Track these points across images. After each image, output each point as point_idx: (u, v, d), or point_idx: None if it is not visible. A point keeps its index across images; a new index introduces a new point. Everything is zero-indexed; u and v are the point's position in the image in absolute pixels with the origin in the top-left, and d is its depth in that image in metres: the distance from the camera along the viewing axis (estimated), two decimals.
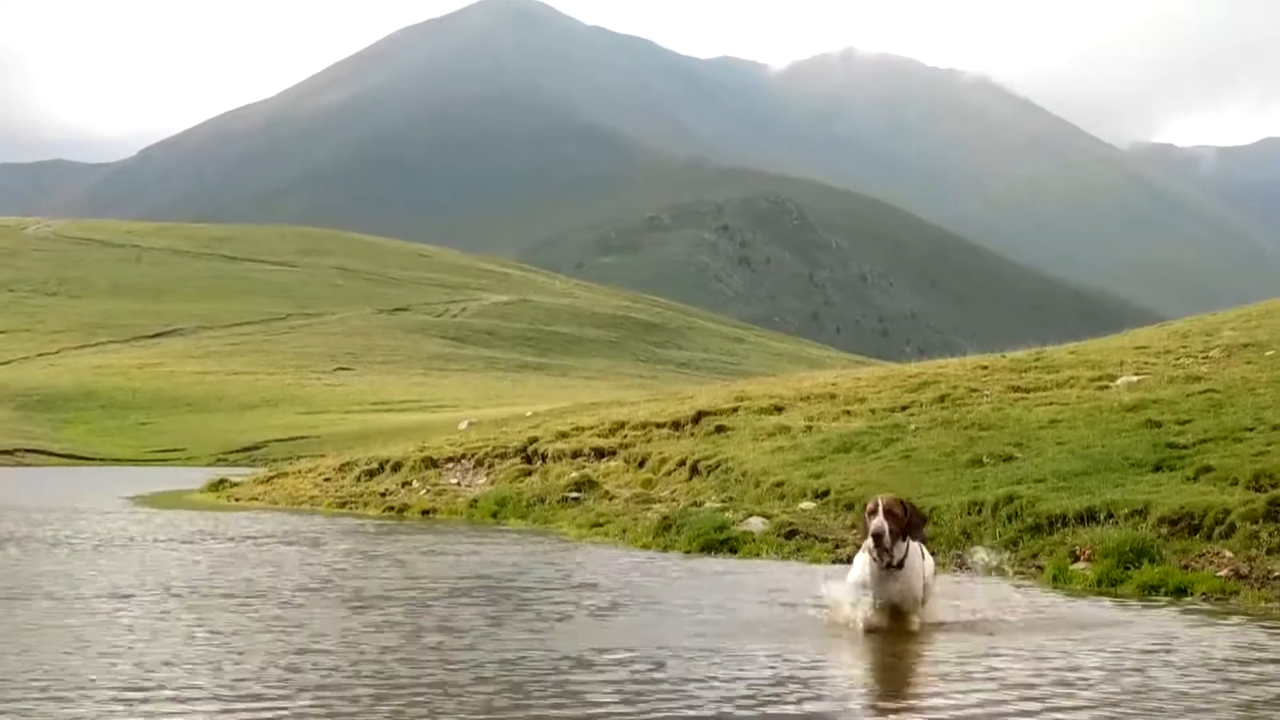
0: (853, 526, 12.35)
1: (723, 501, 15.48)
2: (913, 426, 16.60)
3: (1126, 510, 10.56)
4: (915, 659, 7.03)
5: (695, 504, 15.55)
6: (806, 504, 14.34)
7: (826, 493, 14.31)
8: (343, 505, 22.56)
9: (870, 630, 7.50)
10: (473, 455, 23.60)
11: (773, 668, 6.60)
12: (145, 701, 5.85)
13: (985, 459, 13.75)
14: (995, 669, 6.56)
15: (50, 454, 69.62)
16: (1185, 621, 7.99)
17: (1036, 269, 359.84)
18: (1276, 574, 9.07)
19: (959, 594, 8.89)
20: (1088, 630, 7.68)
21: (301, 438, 69.43)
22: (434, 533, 16.53)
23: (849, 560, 8.88)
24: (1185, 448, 12.34)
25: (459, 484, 22.56)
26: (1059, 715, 5.56)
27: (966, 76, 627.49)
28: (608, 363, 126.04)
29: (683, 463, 18.47)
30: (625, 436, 21.55)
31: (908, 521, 7.43)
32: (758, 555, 12.32)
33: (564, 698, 5.92)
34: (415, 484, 23.11)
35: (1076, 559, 10.14)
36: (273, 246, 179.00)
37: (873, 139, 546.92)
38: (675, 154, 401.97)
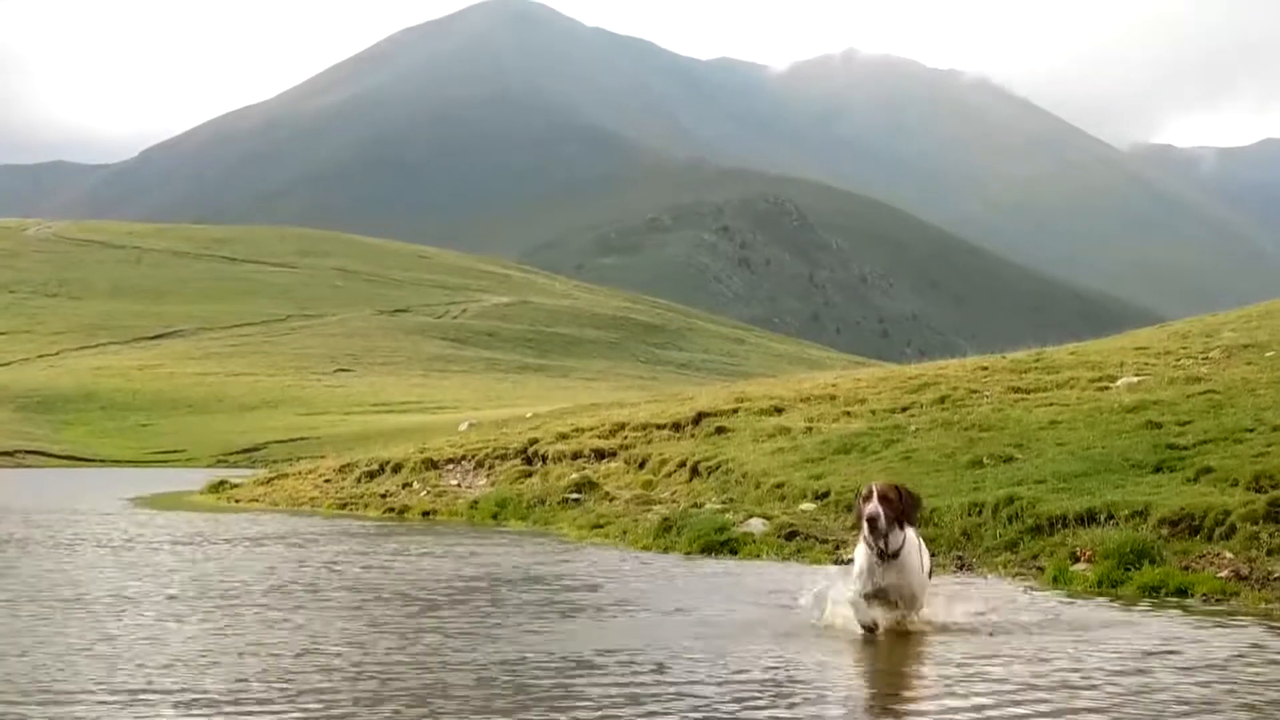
0: (853, 527, 12.34)
1: (723, 503, 15.48)
2: (913, 428, 16.60)
3: (1127, 511, 10.56)
4: (916, 660, 7.02)
5: (696, 505, 15.55)
6: (807, 505, 14.34)
7: (827, 494, 14.31)
8: (343, 507, 22.56)
9: (867, 628, 7.41)
10: (473, 456, 23.60)
11: (774, 669, 6.59)
12: (146, 703, 5.85)
13: (985, 460, 13.76)
14: (997, 670, 6.56)
15: (50, 455, 69.64)
16: (1187, 622, 7.98)
17: (1036, 270, 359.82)
18: (1277, 575, 9.07)
19: (959, 594, 8.88)
20: (1089, 631, 7.68)
21: (302, 439, 69.44)
22: (434, 534, 16.53)
23: (850, 561, 8.84)
24: (1185, 449, 12.34)
25: (459, 485, 22.56)
26: (1061, 716, 5.56)
27: (966, 77, 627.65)
28: (608, 364, 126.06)
29: (683, 464, 18.47)
30: (625, 438, 21.55)
31: (903, 507, 7.33)
32: (758, 556, 12.32)
33: (565, 699, 5.92)
34: (415, 485, 23.12)
35: (1077, 560, 10.13)
36: (273, 248, 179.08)
37: (873, 140, 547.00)
38: (675, 155, 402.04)
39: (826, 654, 7.13)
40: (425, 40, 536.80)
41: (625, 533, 14.80)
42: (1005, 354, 23.33)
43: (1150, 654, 6.91)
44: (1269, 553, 9.43)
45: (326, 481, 26.03)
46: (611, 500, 17.66)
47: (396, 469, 24.66)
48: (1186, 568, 9.49)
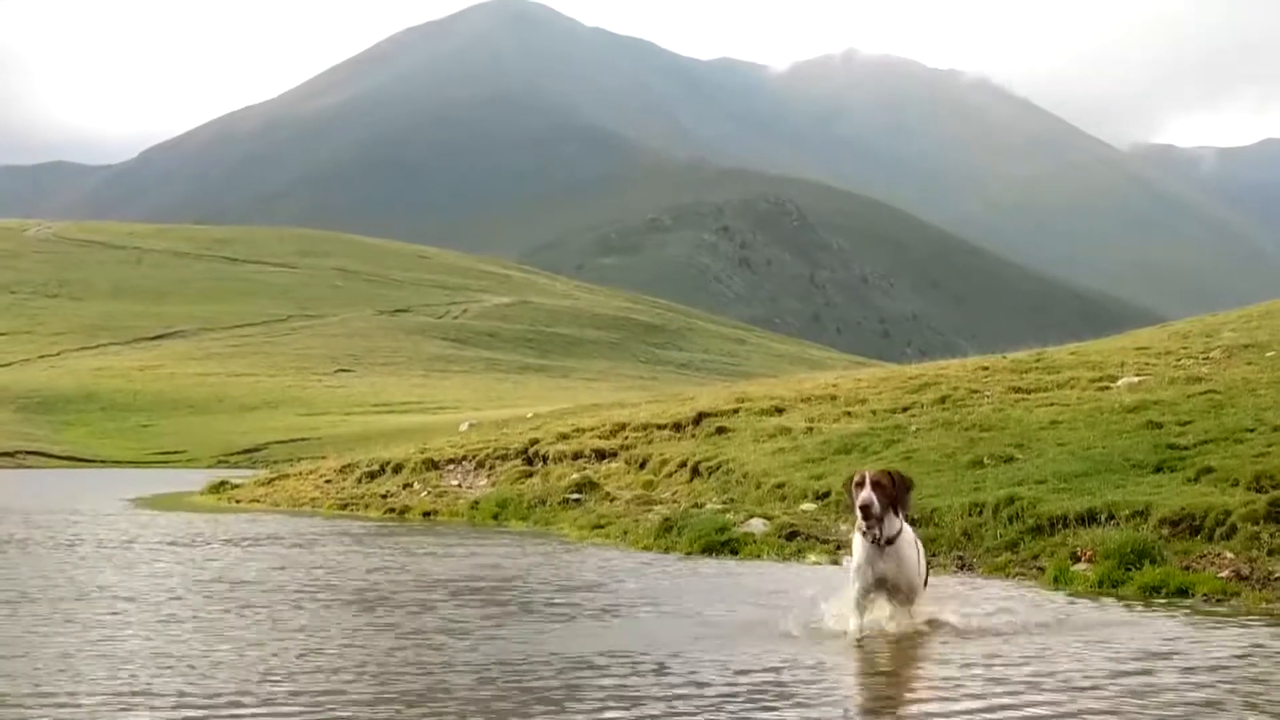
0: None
1: (724, 503, 15.48)
2: (914, 428, 16.61)
3: (1127, 511, 10.56)
4: (918, 661, 7.02)
5: (696, 505, 15.56)
6: (807, 505, 14.34)
7: (827, 494, 14.31)
8: (344, 507, 22.57)
9: (864, 624, 7.35)
10: (474, 457, 23.61)
11: (777, 670, 6.59)
12: (147, 704, 5.85)
13: (986, 460, 13.76)
14: (999, 670, 6.56)
15: (51, 456, 69.66)
16: (1188, 622, 7.99)
17: (1037, 270, 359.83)
18: (1278, 575, 9.07)
19: (959, 594, 8.87)
20: (1091, 631, 7.68)
21: (302, 439, 69.47)
22: (435, 534, 16.54)
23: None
24: (1186, 449, 12.35)
25: (460, 486, 22.56)
26: (1064, 716, 5.56)
27: (967, 77, 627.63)
28: (608, 364, 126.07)
29: (684, 464, 18.47)
30: (626, 438, 21.56)
31: (896, 493, 7.26)
32: (759, 557, 12.32)
33: (567, 700, 5.92)
34: (416, 486, 23.12)
35: (1077, 560, 10.13)
36: (273, 248, 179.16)
37: (873, 140, 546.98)
38: (676, 155, 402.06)
39: (829, 654, 7.12)
40: (425, 41, 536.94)
41: (626, 533, 14.80)
42: (1006, 354, 23.34)
43: (1153, 654, 6.91)
44: (1270, 553, 9.43)
45: (327, 482, 26.04)
46: (612, 500, 17.66)
47: (397, 469, 24.67)
48: (1187, 568, 9.49)
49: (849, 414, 19.16)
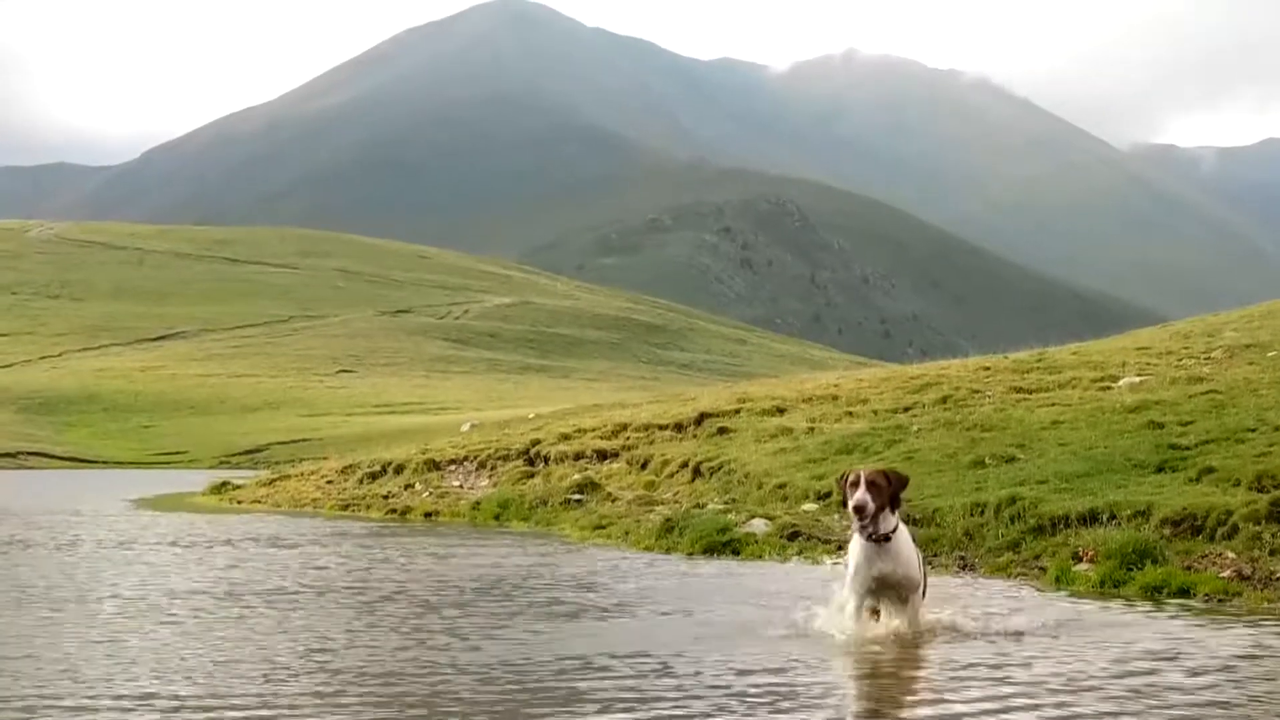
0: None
1: (725, 503, 15.49)
2: (915, 428, 16.61)
3: (1129, 511, 10.56)
4: (920, 662, 7.02)
5: (698, 506, 15.56)
6: (809, 505, 14.35)
7: (829, 494, 14.30)
8: (345, 508, 22.58)
9: (867, 626, 7.30)
10: (475, 457, 23.62)
11: (780, 670, 6.60)
12: (148, 707, 5.86)
13: (988, 460, 13.76)
14: (1001, 670, 6.57)
15: (52, 457, 69.70)
16: (1191, 622, 7.99)
17: (1037, 270, 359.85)
18: (1279, 575, 9.08)
19: (960, 594, 8.88)
20: (1094, 631, 7.68)
21: (304, 440, 69.50)
22: (437, 535, 16.54)
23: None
24: (1187, 449, 12.35)
25: (461, 486, 22.57)
26: (1069, 716, 5.57)
27: (967, 77, 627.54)
28: (609, 364, 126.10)
29: (685, 464, 18.48)
30: (627, 438, 21.56)
31: (891, 492, 7.19)
32: (760, 557, 12.32)
33: (568, 700, 5.93)
34: (418, 486, 23.13)
35: (1079, 560, 10.14)
36: (274, 249, 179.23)
37: (874, 140, 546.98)
38: (676, 155, 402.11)
39: (832, 655, 7.13)
40: (426, 41, 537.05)
41: (627, 533, 14.81)
42: (1007, 354, 23.34)
43: (1157, 653, 6.92)
44: (1271, 553, 9.43)
45: (329, 483, 26.04)
46: (614, 501, 17.67)
47: (399, 470, 24.68)
48: (1189, 568, 9.49)
49: (850, 414, 19.16)
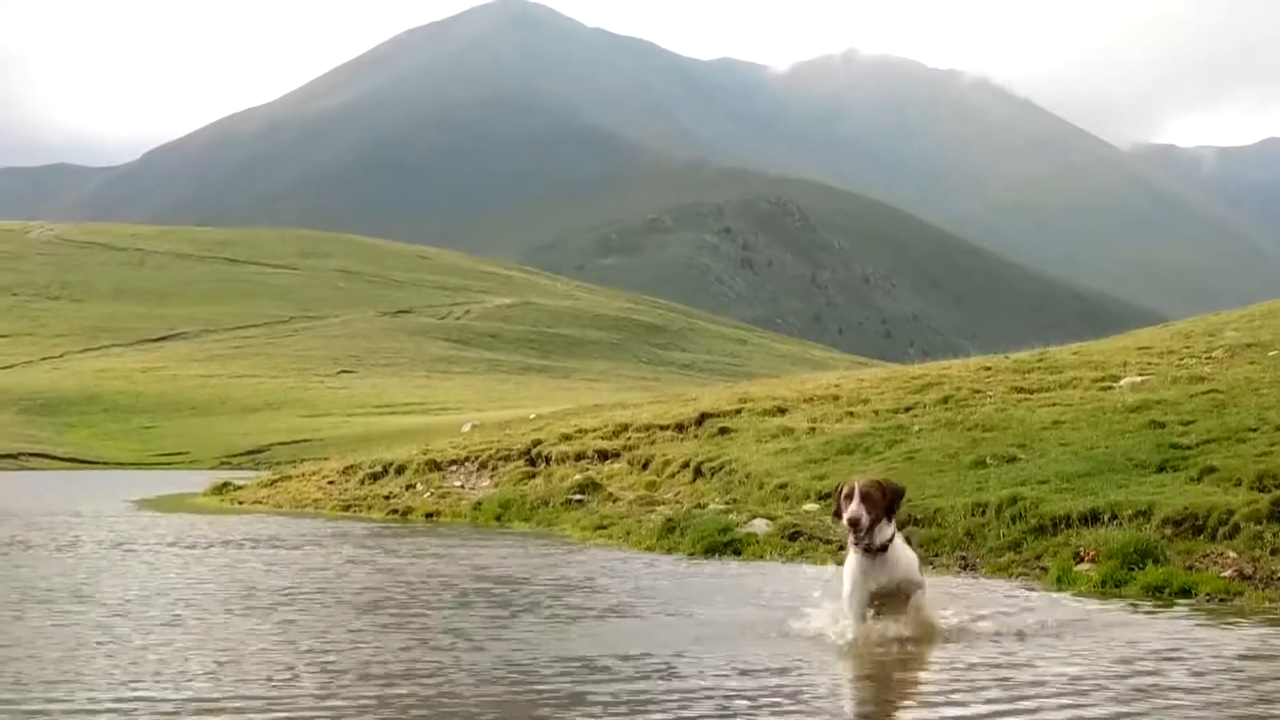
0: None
1: (726, 503, 15.49)
2: (916, 428, 16.61)
3: (1130, 511, 10.56)
4: (924, 663, 7.02)
5: (699, 506, 15.57)
6: (810, 505, 14.35)
7: (830, 494, 14.30)
8: (346, 508, 22.58)
9: (869, 630, 7.23)
10: (476, 458, 23.61)
11: (783, 671, 6.60)
12: (149, 709, 5.87)
13: (989, 460, 13.77)
14: (1004, 670, 6.57)
15: (53, 458, 69.69)
16: (1193, 622, 8.00)
17: (1037, 270, 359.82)
18: None
19: (961, 595, 8.88)
20: (1097, 631, 7.69)
21: (305, 441, 69.49)
22: (438, 536, 16.55)
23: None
24: (1189, 448, 12.35)
25: (463, 487, 22.57)
26: (1072, 715, 5.57)
27: (967, 77, 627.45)
28: (610, 365, 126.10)
29: (686, 465, 18.48)
30: (629, 438, 21.56)
31: (887, 504, 7.08)
32: (761, 557, 12.33)
33: (573, 701, 5.93)
34: (419, 487, 23.13)
35: (1080, 560, 10.14)
36: (275, 249, 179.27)
37: (874, 140, 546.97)
38: (676, 155, 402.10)
39: (835, 656, 7.13)
40: (426, 42, 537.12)
41: (629, 534, 14.81)
42: (1008, 354, 23.34)
43: (1160, 653, 6.92)
44: (1273, 552, 9.43)
45: (330, 483, 26.04)
46: (615, 501, 17.67)
47: (400, 470, 24.67)
48: (1190, 567, 9.49)
49: (851, 414, 19.16)
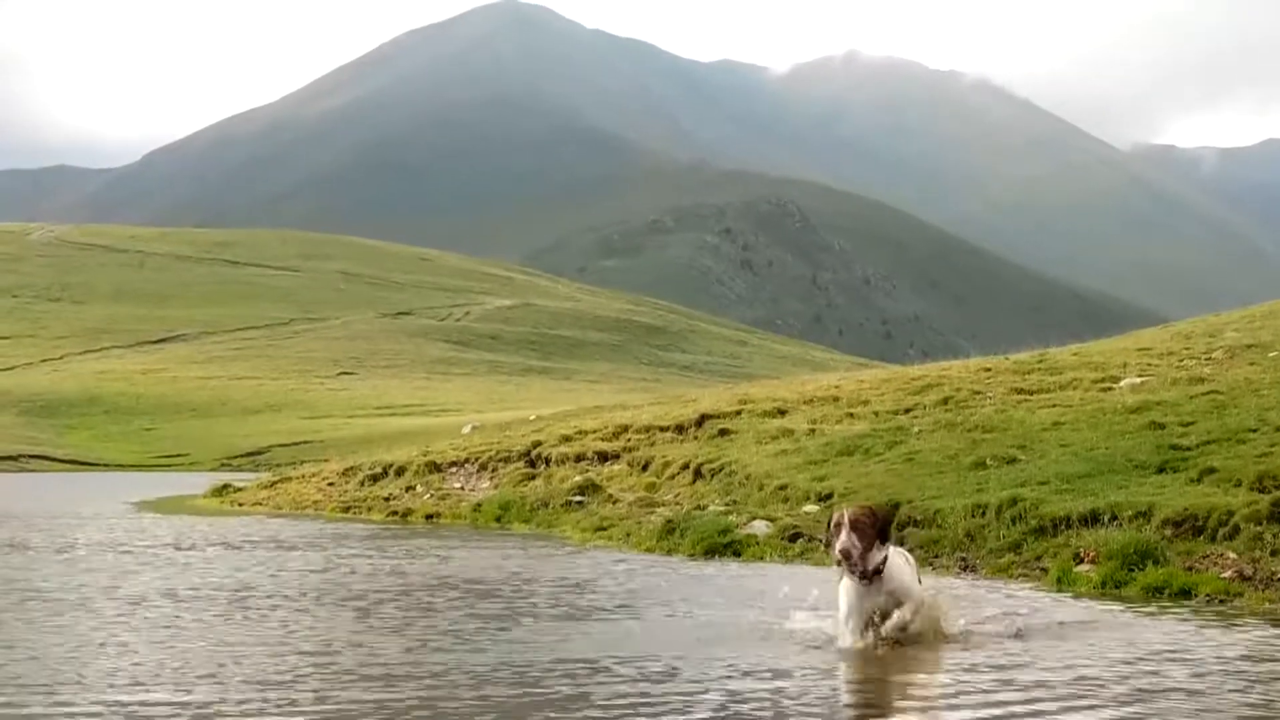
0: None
1: (726, 505, 15.49)
2: (916, 429, 16.61)
3: (1130, 512, 10.56)
4: (923, 664, 7.01)
5: (699, 507, 15.57)
6: (810, 507, 14.34)
7: (830, 495, 14.32)
8: (346, 510, 22.59)
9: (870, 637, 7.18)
10: (476, 459, 23.61)
11: (785, 673, 6.60)
12: (150, 712, 5.86)
13: (989, 461, 13.77)
14: (1006, 671, 6.57)
15: (54, 459, 69.69)
16: (1194, 622, 8.00)
17: (1037, 270, 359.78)
18: None
19: (962, 596, 8.87)
20: (1098, 632, 7.68)
21: (305, 442, 69.44)
22: (438, 537, 16.55)
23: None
24: (1189, 449, 12.35)
25: (463, 488, 22.57)
26: (1074, 715, 5.57)
27: (967, 78, 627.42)
28: (611, 366, 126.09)
29: (686, 466, 18.48)
30: (629, 440, 21.56)
31: (879, 530, 7.05)
32: (761, 559, 12.33)
33: (575, 702, 5.93)
34: (419, 488, 23.14)
35: (1080, 561, 10.14)
36: (275, 251, 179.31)
37: (874, 141, 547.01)
38: (676, 157, 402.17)
39: (836, 658, 7.13)
40: (427, 43, 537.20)
41: (629, 535, 14.81)
42: (1008, 355, 23.34)
43: (1161, 653, 6.92)
44: (1273, 553, 9.43)
45: (330, 485, 26.04)
46: (615, 503, 17.67)
47: (400, 472, 24.68)
48: (1190, 568, 9.49)
49: (851, 415, 19.16)
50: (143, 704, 5.93)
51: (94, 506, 25.74)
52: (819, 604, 7.95)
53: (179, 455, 72.84)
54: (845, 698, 6.27)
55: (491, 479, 22.37)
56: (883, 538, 7.10)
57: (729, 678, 6.44)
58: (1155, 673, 6.45)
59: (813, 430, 18.42)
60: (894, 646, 7.13)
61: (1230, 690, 6.04)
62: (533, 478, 21.28)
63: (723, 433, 20.09)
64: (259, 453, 69.93)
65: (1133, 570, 9.49)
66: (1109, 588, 9.42)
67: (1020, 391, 18.18)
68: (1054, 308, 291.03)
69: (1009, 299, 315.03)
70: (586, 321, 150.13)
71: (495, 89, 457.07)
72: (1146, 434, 13.37)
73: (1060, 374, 19.06)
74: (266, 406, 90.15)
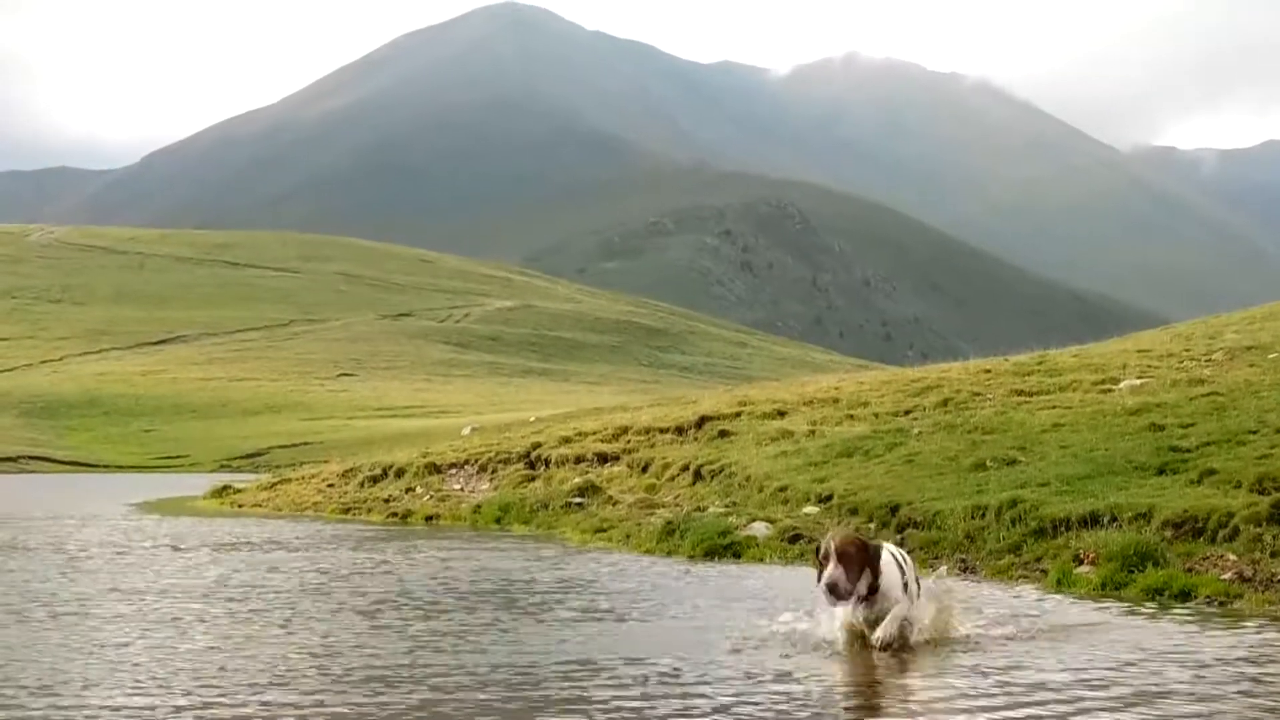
0: (856, 530, 12.29)
1: (726, 506, 15.49)
2: (916, 430, 16.61)
3: (1130, 514, 10.56)
4: (924, 666, 7.01)
5: (698, 509, 15.57)
6: (810, 508, 14.34)
7: (830, 497, 14.31)
8: (346, 511, 22.58)
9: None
10: (476, 461, 23.62)
11: (786, 674, 6.60)
12: (150, 714, 5.86)
13: (989, 463, 13.76)
14: (1007, 672, 6.56)
15: (54, 461, 69.68)
16: (1194, 624, 7.99)
17: (1037, 272, 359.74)
18: None
19: (962, 597, 8.86)
20: (1099, 633, 7.68)
21: (305, 444, 69.42)
22: (438, 539, 16.54)
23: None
24: (1188, 451, 12.35)
25: (462, 490, 22.57)
26: (1074, 717, 5.56)
27: (967, 80, 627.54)
28: (611, 368, 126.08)
29: (686, 468, 18.48)
30: (628, 441, 21.56)
31: (868, 559, 7.00)
32: (761, 560, 12.33)
33: (576, 703, 5.93)
34: (419, 490, 23.13)
35: (1080, 563, 10.14)
36: (275, 252, 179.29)
37: (874, 143, 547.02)
38: (676, 158, 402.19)
39: (837, 659, 7.12)
40: (427, 45, 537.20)
41: (629, 537, 14.81)
42: (1008, 357, 23.34)
43: (1162, 654, 6.91)
44: (1272, 555, 9.43)
45: (330, 486, 26.05)
46: (615, 504, 17.67)
47: (400, 474, 24.68)
48: (1190, 570, 9.49)
49: (851, 417, 19.16)
50: (143, 706, 5.92)
51: (94, 508, 25.73)
52: (816, 606, 7.93)
53: (179, 456, 72.83)
54: (845, 700, 6.27)
55: (491, 481, 22.37)
56: (872, 566, 7.05)
57: (730, 679, 6.44)
58: (1157, 674, 6.45)
59: (813, 432, 18.42)
60: (895, 654, 7.13)
61: (1232, 691, 6.04)
62: (532, 479, 21.28)
63: (723, 434, 20.09)
64: (259, 454, 69.91)
65: (1133, 572, 9.49)
66: (1109, 589, 9.41)
67: (1020, 393, 18.18)
68: (1054, 309, 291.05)
69: (1009, 301, 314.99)
70: (586, 323, 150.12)
71: (495, 91, 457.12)
72: (1146, 436, 13.37)
73: (1060, 376, 19.06)
74: (266, 408, 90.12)
